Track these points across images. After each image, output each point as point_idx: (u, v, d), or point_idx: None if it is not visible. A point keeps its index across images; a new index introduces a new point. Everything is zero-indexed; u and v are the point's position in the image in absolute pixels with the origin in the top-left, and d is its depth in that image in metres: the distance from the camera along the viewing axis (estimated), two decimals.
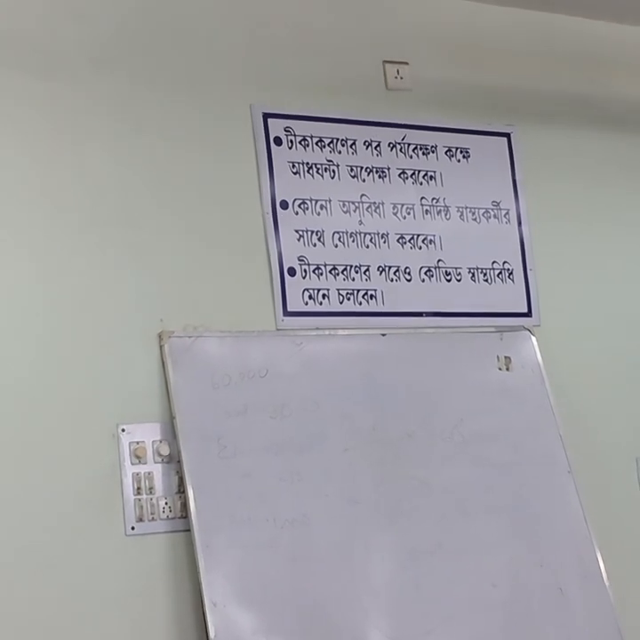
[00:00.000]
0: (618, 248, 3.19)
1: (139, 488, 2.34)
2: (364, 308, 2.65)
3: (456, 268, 2.82)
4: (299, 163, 2.61)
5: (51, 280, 2.31)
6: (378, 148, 2.73)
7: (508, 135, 2.99)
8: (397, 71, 2.81)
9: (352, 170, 2.67)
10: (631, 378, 3.10)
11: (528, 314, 2.93)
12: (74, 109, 2.41)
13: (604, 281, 3.14)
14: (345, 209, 2.64)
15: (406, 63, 2.84)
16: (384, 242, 2.69)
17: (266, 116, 2.58)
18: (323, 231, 2.60)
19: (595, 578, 2.67)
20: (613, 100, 3.32)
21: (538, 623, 2.60)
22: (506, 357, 2.82)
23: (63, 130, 2.41)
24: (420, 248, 2.74)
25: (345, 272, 2.62)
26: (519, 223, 2.95)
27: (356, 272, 2.64)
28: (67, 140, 2.39)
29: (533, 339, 2.87)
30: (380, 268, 2.67)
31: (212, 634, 2.20)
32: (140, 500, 2.33)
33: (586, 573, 2.67)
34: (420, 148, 2.81)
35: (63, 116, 2.41)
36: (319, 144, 2.64)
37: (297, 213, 2.59)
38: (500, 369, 2.80)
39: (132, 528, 2.28)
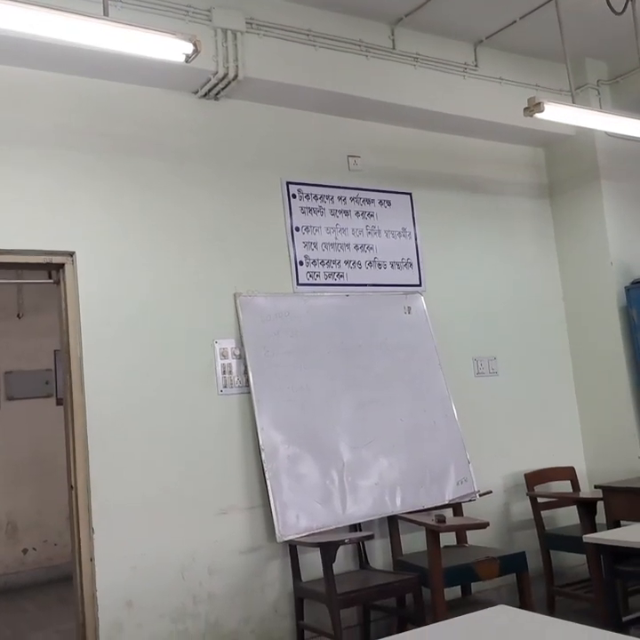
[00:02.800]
0: (463, 255, 4.03)
1: (224, 371, 3.17)
2: (337, 281, 3.52)
3: (384, 262, 3.69)
4: (305, 207, 3.49)
5: (190, 273, 3.17)
6: (344, 200, 3.60)
7: (410, 194, 3.87)
8: (354, 161, 3.67)
9: (331, 211, 3.57)
10: (473, 313, 3.93)
11: (420, 285, 3.81)
12: (198, 191, 3.23)
13: (457, 270, 3.99)
14: (328, 231, 3.53)
15: (359, 156, 3.70)
16: (348, 248, 3.56)
17: (288, 183, 3.49)
18: (316, 242, 3.49)
19: (451, 417, 3.65)
20: (466, 176, 4.14)
21: (424, 439, 3.50)
22: (408, 307, 3.65)
23: (192, 203, 3.23)
24: (366, 251, 3.61)
25: (327, 263, 3.50)
26: (416, 239, 3.83)
27: (333, 264, 3.51)
28: (189, 208, 3.24)
29: (422, 298, 3.78)
30: (346, 262, 3.56)
31: (261, 443, 3.09)
32: (225, 376, 3.16)
33: (446, 415, 3.63)
34: (366, 200, 3.67)
35: (195, 196, 3.23)
36: (314, 198, 3.53)
37: (303, 234, 3.45)
38: (405, 313, 3.62)
39: (221, 391, 3.13)
